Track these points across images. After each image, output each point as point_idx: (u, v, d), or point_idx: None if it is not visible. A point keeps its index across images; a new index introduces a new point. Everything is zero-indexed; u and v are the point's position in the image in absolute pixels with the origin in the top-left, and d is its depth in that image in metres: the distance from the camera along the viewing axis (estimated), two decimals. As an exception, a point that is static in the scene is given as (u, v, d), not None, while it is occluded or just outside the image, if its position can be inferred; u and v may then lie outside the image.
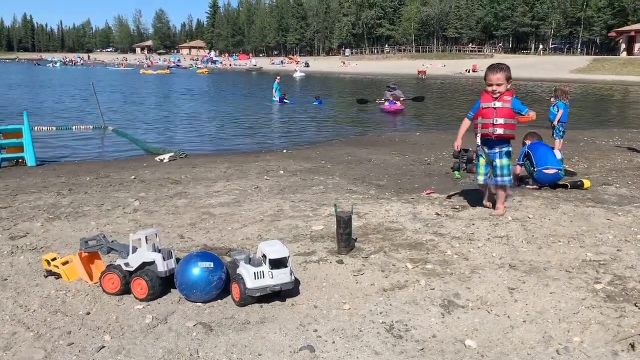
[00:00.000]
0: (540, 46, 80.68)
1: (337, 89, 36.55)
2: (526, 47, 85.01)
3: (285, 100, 22.53)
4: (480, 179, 4.89)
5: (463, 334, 2.59)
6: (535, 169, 6.14)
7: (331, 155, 9.62)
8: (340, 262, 3.50)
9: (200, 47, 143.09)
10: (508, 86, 4.63)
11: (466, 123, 4.99)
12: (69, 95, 26.20)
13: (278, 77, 24.66)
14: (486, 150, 4.80)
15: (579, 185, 5.98)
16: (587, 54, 70.98)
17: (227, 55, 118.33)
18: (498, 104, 4.63)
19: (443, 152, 9.49)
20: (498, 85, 4.60)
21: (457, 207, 4.94)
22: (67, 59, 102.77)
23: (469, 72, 55.84)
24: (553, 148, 9.33)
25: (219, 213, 4.91)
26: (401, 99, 19.73)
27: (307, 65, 77.13)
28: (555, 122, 9.23)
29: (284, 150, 10.53)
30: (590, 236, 3.97)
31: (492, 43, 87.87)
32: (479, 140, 4.81)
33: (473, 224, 4.33)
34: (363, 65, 75.03)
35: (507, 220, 4.41)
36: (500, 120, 4.60)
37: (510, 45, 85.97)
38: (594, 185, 6.08)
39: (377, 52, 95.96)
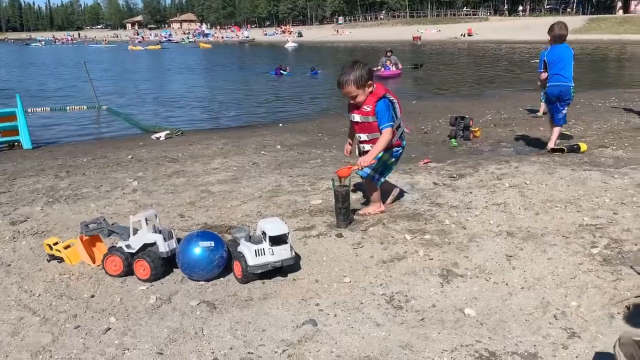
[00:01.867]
0: (520, 7, 79.53)
1: (332, 58, 36.19)
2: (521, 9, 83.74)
3: (282, 72, 22.32)
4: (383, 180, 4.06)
5: (462, 303, 2.64)
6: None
7: (328, 127, 9.60)
8: (340, 235, 3.53)
9: (192, 21, 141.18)
10: (369, 89, 3.75)
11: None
12: (59, 75, 25.90)
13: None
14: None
15: (575, 149, 5.99)
16: (583, 13, 70.07)
17: (218, 27, 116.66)
18: (357, 117, 3.84)
19: (440, 119, 9.47)
20: (353, 97, 3.78)
21: (455, 175, 4.96)
22: (55, 38, 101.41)
23: (464, 36, 55.30)
24: (537, 111, 9.43)
25: (218, 191, 4.92)
26: (399, 65, 19.70)
27: (300, 35, 76.25)
28: (540, 82, 9.32)
29: (280, 124, 10.49)
30: (587, 200, 4.00)
31: (487, 6, 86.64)
32: (357, 152, 4.11)
33: (470, 192, 4.36)
34: (357, 33, 74.12)
35: (505, 187, 4.43)
36: (364, 136, 3.87)
37: (505, 7, 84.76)
38: (590, 149, 6.09)
39: (371, 19, 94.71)
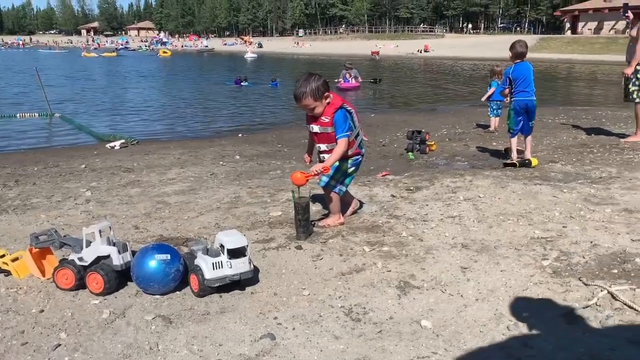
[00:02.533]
0: (470, 25, 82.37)
1: (293, 70, 36.30)
2: (476, 27, 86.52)
3: (242, 84, 22.23)
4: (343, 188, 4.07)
5: (419, 315, 2.67)
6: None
7: (287, 138, 9.61)
8: (299, 247, 3.52)
9: (149, 28, 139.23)
10: (327, 101, 3.77)
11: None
12: (9, 80, 24.98)
13: None
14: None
15: (527, 164, 6.19)
16: (535, 33, 72.84)
17: (177, 36, 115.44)
18: (316, 128, 3.88)
19: (397, 133, 9.62)
20: (311, 109, 3.80)
21: (412, 188, 5.04)
22: (5, 42, 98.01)
23: (421, 52, 56.50)
24: (488, 126, 9.84)
25: (174, 202, 4.84)
26: (358, 79, 20.09)
27: (260, 46, 76.27)
28: (484, 99, 9.85)
29: (240, 135, 10.44)
30: (538, 214, 4.14)
31: (443, 23, 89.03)
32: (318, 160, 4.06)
33: (427, 205, 4.43)
34: (317, 45, 74.69)
35: (460, 200, 4.53)
36: (323, 147, 3.92)
37: (461, 25, 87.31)
38: (541, 164, 6.30)
39: (331, 32, 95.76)
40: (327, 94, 3.77)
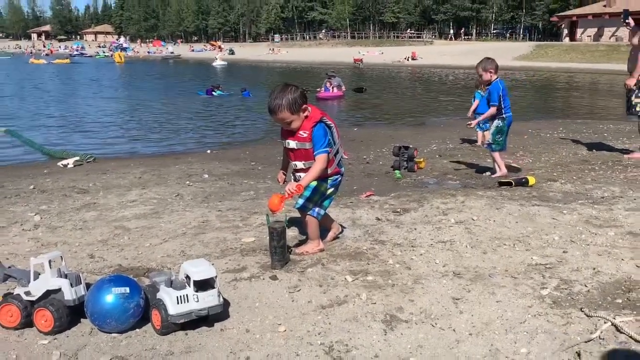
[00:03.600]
0: (462, 30, 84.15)
1: (268, 80, 36.49)
2: (467, 33, 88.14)
3: (214, 93, 22.26)
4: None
5: (407, 352, 2.67)
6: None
7: (262, 155, 9.63)
8: (274, 278, 3.51)
9: (108, 33, 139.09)
10: (304, 114, 3.76)
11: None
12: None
13: None
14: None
15: (523, 183, 6.29)
16: (530, 39, 74.63)
17: (139, 41, 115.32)
18: (292, 144, 3.86)
19: (383, 149, 9.71)
20: (287, 124, 3.78)
21: (399, 210, 5.07)
22: None
23: (408, 60, 57.26)
24: (475, 141, 10.02)
25: (135, 227, 4.80)
26: (342, 88, 20.60)
27: (232, 52, 76.61)
28: (469, 114, 9.96)
29: (209, 151, 10.43)
30: (536, 238, 4.19)
31: (432, 28, 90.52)
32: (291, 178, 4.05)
33: (415, 229, 4.46)
34: (295, 52, 75.26)
35: (451, 223, 4.57)
36: (300, 164, 3.89)
37: (451, 31, 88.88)
38: (539, 182, 6.41)
39: (310, 38, 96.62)
40: (305, 106, 3.77)
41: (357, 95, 22.43)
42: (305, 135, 3.78)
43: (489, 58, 7.14)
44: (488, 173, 7.24)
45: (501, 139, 6.95)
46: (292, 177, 4.01)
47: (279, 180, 4.23)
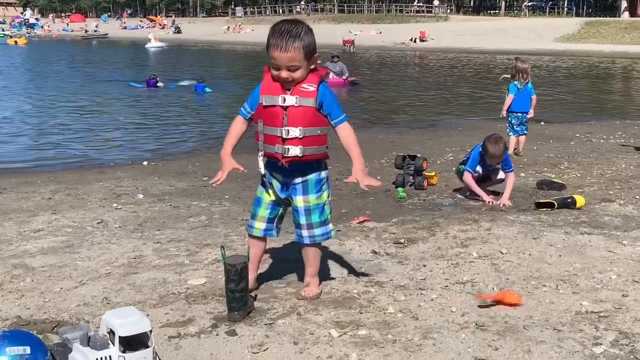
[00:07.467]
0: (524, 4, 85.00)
1: (222, 68, 36.56)
2: (494, 7, 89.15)
3: (159, 85, 22.26)
4: (259, 227, 4.07)
5: None
6: None
7: (216, 167, 9.51)
8: (233, 333, 3.49)
9: (9, 4, 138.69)
10: (312, 66, 3.80)
11: (239, 125, 4.05)
12: None
13: None
14: (275, 180, 4.02)
15: (569, 204, 6.33)
16: (577, 15, 75.57)
17: (52, 16, 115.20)
18: (291, 100, 3.74)
19: (382, 159, 9.74)
20: (291, 70, 3.70)
21: (402, 241, 5.08)
22: None
23: (414, 41, 57.71)
24: (507, 149, 10.14)
25: (41, 265, 4.75)
26: (343, 75, 21.44)
27: (178, 30, 76.82)
28: (503, 113, 9.94)
29: (145, 163, 10.37)
30: (587, 277, 4.21)
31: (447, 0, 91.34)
32: (261, 163, 3.96)
33: (424, 266, 4.46)
34: (263, 31, 75.26)
35: (472, 257, 4.58)
36: (295, 131, 3.74)
37: (472, 3, 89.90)
38: (590, 203, 6.46)
39: (284, 12, 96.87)
40: (316, 55, 3.85)
41: (348, 89, 22.56)
42: (312, 89, 3.75)
43: None
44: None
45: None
46: (265, 158, 3.89)
47: (235, 168, 4.12)
